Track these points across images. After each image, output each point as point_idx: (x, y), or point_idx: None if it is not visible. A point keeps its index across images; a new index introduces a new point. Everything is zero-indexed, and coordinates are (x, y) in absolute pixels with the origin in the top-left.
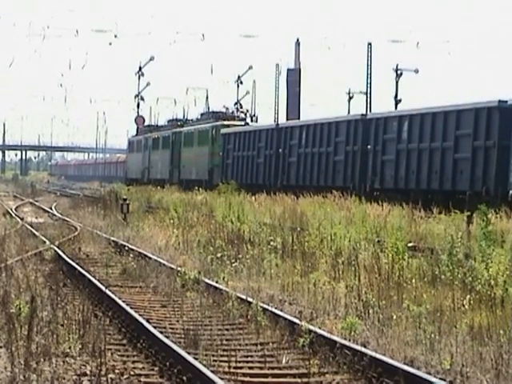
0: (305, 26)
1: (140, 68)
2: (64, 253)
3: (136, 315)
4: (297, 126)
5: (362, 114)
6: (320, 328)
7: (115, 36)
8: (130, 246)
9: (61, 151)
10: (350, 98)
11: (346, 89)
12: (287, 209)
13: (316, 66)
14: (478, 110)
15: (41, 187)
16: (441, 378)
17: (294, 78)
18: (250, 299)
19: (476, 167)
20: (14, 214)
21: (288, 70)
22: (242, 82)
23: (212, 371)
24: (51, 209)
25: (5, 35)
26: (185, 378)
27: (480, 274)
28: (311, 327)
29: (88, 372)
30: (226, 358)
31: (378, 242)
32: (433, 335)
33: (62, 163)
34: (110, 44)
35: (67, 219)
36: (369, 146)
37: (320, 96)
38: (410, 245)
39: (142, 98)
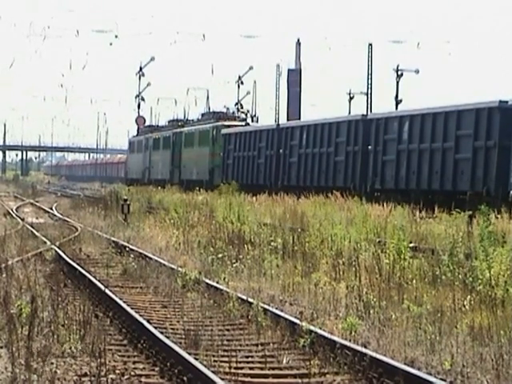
0: (305, 26)
1: (140, 68)
2: (65, 253)
3: (137, 316)
4: (297, 127)
5: (363, 115)
6: (320, 328)
7: (116, 36)
8: (130, 247)
9: (61, 151)
10: (351, 99)
11: (346, 89)
12: (288, 209)
13: (316, 66)
14: (479, 111)
15: (41, 188)
16: (441, 379)
17: (294, 78)
18: (250, 300)
19: (477, 167)
20: (14, 215)
21: (288, 70)
22: (242, 83)
23: (213, 371)
24: (52, 209)
25: (5, 35)
26: (185, 378)
27: (481, 274)
28: (312, 327)
29: (88, 372)
30: (226, 359)
31: (379, 242)
32: (433, 336)
33: (56, 164)
34: (111, 44)
35: (68, 219)
36: (369, 147)
37: (320, 96)
38: (410, 245)
39: (143, 99)
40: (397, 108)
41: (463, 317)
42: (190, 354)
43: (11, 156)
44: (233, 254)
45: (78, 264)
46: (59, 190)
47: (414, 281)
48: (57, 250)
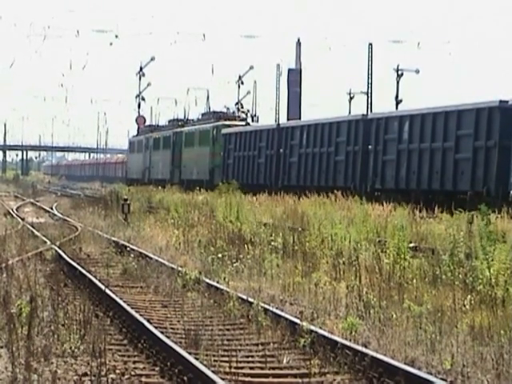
0: (305, 26)
1: (141, 68)
2: (65, 253)
3: (137, 315)
4: (298, 126)
5: (363, 114)
6: (321, 328)
7: (116, 36)
8: (130, 246)
9: (61, 151)
10: (351, 98)
11: (346, 89)
12: (288, 209)
13: (317, 66)
14: (479, 110)
15: (41, 187)
16: (442, 379)
17: (294, 78)
18: (250, 299)
19: (477, 167)
20: (14, 214)
21: (289, 70)
22: (242, 82)
23: (213, 371)
24: (52, 209)
25: (6, 35)
26: (185, 378)
27: (481, 274)
28: (312, 327)
29: (89, 372)
30: (226, 358)
31: (379, 242)
32: (433, 335)
33: (56, 164)
34: (111, 44)
35: (68, 219)
36: (370, 146)
37: (321, 96)
38: (411, 245)
39: (143, 98)
40: (397, 108)
41: (463, 316)
42: (190, 353)
43: (11, 156)
44: (233, 253)
45: (78, 264)
46: (59, 189)
47: (415, 280)
48: (57, 249)
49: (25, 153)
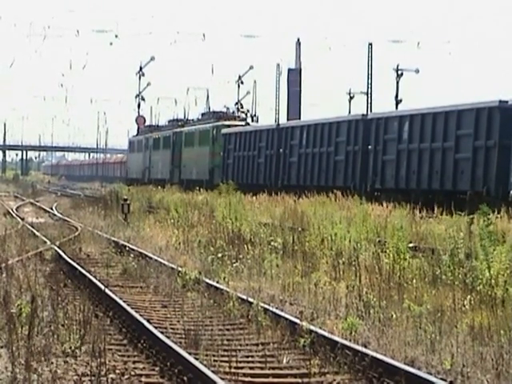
0: (305, 26)
1: (141, 68)
2: (65, 253)
3: (137, 315)
4: (297, 126)
5: (363, 114)
6: (321, 328)
7: (116, 36)
8: (130, 246)
9: (61, 151)
10: (351, 98)
11: (346, 89)
12: (288, 209)
13: (316, 66)
14: (479, 110)
15: (41, 187)
16: (441, 379)
17: (294, 77)
18: (250, 299)
19: (477, 167)
20: (14, 214)
21: (289, 69)
22: (242, 82)
23: (213, 371)
24: (52, 209)
25: (5, 35)
26: (185, 378)
27: (481, 274)
28: (312, 327)
29: (88, 372)
30: (226, 358)
31: (379, 242)
32: (433, 335)
33: (55, 164)
34: (111, 44)
35: (68, 219)
36: (369, 146)
37: (320, 96)
38: (410, 245)
39: (143, 98)
40: (397, 108)
41: (463, 316)
42: (190, 353)
43: (11, 156)
44: (233, 253)
45: (77, 264)
46: (59, 189)
47: (414, 280)
48: (57, 249)
49: (25, 153)
